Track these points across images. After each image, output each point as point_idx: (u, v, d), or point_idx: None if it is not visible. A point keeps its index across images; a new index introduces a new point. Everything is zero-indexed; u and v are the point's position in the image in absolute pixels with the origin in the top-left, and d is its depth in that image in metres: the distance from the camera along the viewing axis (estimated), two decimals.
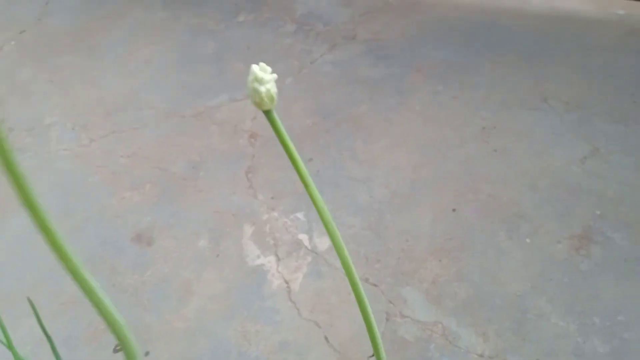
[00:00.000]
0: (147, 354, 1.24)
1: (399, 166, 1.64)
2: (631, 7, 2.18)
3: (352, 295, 1.28)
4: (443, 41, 2.09)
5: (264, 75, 0.34)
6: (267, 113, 0.36)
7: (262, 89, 0.34)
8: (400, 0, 2.34)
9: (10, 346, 0.63)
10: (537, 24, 2.16)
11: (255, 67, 0.34)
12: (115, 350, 1.25)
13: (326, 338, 1.26)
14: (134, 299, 1.35)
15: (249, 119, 1.81)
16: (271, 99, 0.34)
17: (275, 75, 0.35)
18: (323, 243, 1.46)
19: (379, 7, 2.31)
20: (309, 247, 1.45)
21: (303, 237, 1.47)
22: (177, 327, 1.29)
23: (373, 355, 1.23)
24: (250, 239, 1.47)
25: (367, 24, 2.21)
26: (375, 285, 1.36)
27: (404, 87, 1.90)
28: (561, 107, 1.80)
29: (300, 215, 1.53)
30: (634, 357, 1.20)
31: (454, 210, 1.52)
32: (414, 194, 1.57)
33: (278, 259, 1.43)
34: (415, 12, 2.27)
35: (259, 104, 0.35)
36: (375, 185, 1.60)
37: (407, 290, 1.35)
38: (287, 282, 1.37)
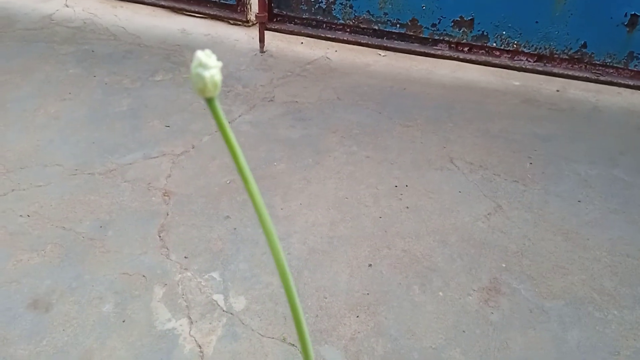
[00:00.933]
0: None
1: (317, 223, 1.65)
2: (525, 78, 2.40)
3: (270, 357, 1.23)
4: (357, 106, 2.19)
5: (209, 60, 0.33)
6: (209, 101, 0.35)
7: (207, 74, 0.33)
8: (316, 67, 2.44)
9: None
10: (442, 92, 2.32)
11: (200, 53, 0.33)
12: None
13: None
14: None
15: (163, 176, 1.76)
16: (215, 85, 0.34)
17: (220, 63, 0.34)
18: (239, 303, 1.41)
19: (297, 72, 2.39)
20: (224, 308, 1.40)
21: (218, 297, 1.42)
22: None
23: None
24: (160, 301, 1.40)
25: (285, 87, 2.27)
26: (293, 345, 1.32)
27: (320, 147, 1.95)
28: (466, 168, 1.91)
29: (215, 274, 1.48)
30: None
31: (370, 265, 1.54)
32: (331, 250, 1.57)
33: (191, 322, 1.36)
34: (331, 78, 2.37)
35: (202, 90, 0.34)
36: (293, 241, 1.59)
37: (326, 349, 1.32)
38: (200, 347, 1.30)
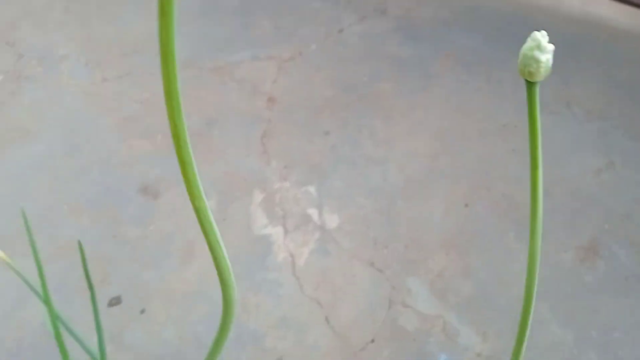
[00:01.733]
0: (142, 311, 1.22)
1: (417, 152, 1.62)
2: None
3: (357, 278, 1.27)
4: (474, 30, 2.04)
5: (546, 43, 0.31)
6: (532, 85, 0.33)
7: (543, 58, 0.31)
8: None
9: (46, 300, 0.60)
10: (569, 26, 2.11)
11: (537, 34, 0.31)
12: (111, 304, 1.23)
13: (327, 319, 1.25)
14: (134, 253, 1.32)
15: (269, 80, 1.75)
16: (547, 71, 0.32)
17: (553, 46, 0.32)
18: (332, 221, 1.44)
19: None
20: (318, 223, 1.43)
21: (313, 211, 1.45)
22: (176, 288, 1.26)
23: (373, 341, 1.23)
24: (259, 207, 1.44)
25: (399, 0, 2.14)
26: (380, 270, 1.35)
27: (430, 71, 1.85)
28: (583, 115, 1.78)
29: (311, 188, 1.50)
30: None
31: (466, 205, 1.51)
32: (429, 183, 1.55)
33: (285, 231, 1.41)
34: None
35: (532, 73, 0.32)
36: (390, 168, 1.57)
37: (412, 280, 1.34)
38: (292, 256, 1.36)
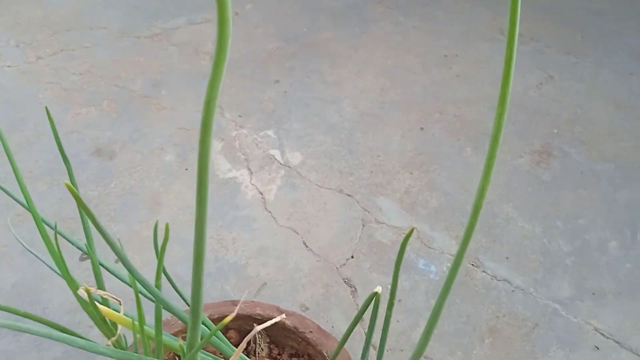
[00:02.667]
0: (117, 261, 1.18)
1: (367, 89, 1.64)
2: None
3: (328, 205, 1.27)
4: None
5: None
6: None
7: None
8: None
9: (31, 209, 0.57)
10: None
11: None
12: (82, 258, 1.18)
13: (304, 243, 1.25)
14: (99, 209, 1.27)
15: (209, 41, 1.74)
16: None
17: None
18: (295, 158, 1.44)
19: None
20: (282, 162, 1.43)
21: (275, 152, 1.45)
22: (147, 236, 1.23)
23: (353, 257, 1.23)
24: (220, 154, 1.43)
25: None
26: (350, 195, 1.36)
27: (366, 17, 1.89)
28: (517, 39, 1.86)
29: (270, 132, 1.50)
30: (594, 254, 1.27)
31: (421, 128, 1.55)
32: (382, 114, 1.58)
33: (251, 172, 1.39)
34: None
35: None
36: (344, 105, 1.59)
37: (381, 200, 1.36)
38: (261, 194, 1.35)
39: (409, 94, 1.64)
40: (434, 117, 1.58)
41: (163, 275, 0.55)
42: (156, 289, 0.48)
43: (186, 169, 1.37)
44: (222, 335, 0.61)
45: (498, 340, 1.12)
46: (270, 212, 1.31)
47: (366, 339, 0.61)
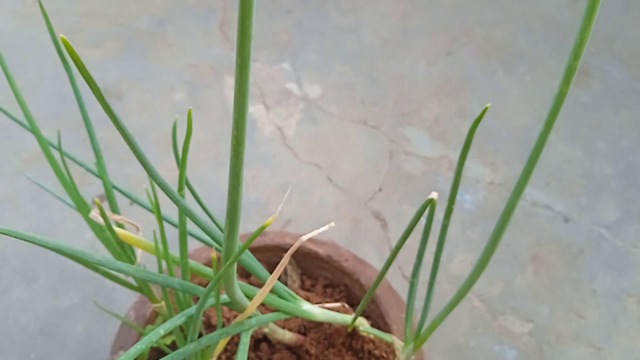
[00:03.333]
0: (131, 204, 1.12)
1: (387, 14, 1.53)
2: None
3: (352, 138, 1.18)
4: None
5: None
6: None
7: None
8: None
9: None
10: None
11: None
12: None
13: (329, 178, 1.17)
14: (110, 152, 1.19)
15: None
16: None
17: None
18: (314, 91, 1.34)
19: None
20: (299, 95, 1.33)
21: (291, 85, 1.35)
22: (163, 177, 1.16)
23: (381, 190, 1.16)
24: (232, 90, 1.34)
25: None
26: (375, 127, 1.27)
27: None
28: None
29: (285, 65, 1.40)
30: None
31: (448, 53, 1.43)
32: (405, 41, 1.46)
33: (267, 108, 1.31)
34: None
35: None
36: (363, 33, 1.48)
37: (409, 130, 1.27)
38: (280, 129, 1.26)
39: (432, 18, 1.52)
40: (461, 41, 1.46)
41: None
42: (178, 196, 0.41)
43: (198, 107, 1.29)
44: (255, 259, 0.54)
45: (541, 268, 1.05)
46: (290, 147, 1.23)
47: (419, 252, 0.53)
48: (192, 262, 0.51)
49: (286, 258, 0.47)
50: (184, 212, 0.42)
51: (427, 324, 0.55)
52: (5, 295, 0.98)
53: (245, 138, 0.31)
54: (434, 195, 0.49)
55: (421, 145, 1.24)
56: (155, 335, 0.38)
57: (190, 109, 0.38)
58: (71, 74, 0.55)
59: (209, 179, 1.16)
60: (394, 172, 1.19)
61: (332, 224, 0.46)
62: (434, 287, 0.55)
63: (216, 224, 0.51)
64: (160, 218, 0.50)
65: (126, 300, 0.97)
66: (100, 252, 1.00)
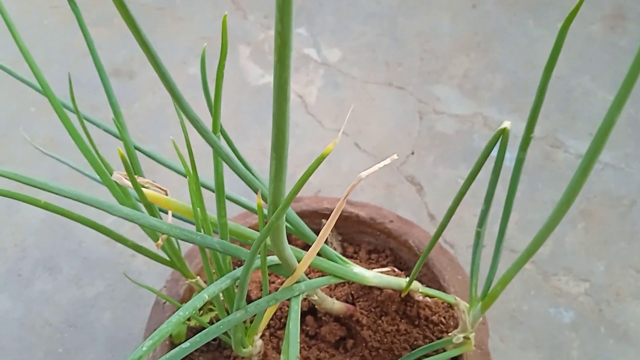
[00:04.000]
0: (154, 181, 1.06)
1: None
2: None
3: (377, 101, 1.10)
4: None
5: None
6: None
7: None
8: None
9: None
10: None
11: None
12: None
13: (356, 144, 1.11)
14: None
15: None
16: None
17: None
18: (334, 55, 1.27)
19: None
20: (319, 60, 1.26)
21: (310, 50, 1.28)
22: (184, 152, 1.10)
23: (413, 153, 1.09)
24: (249, 60, 1.27)
25: None
26: (401, 87, 1.20)
27: None
28: None
29: (301, 30, 1.32)
30: None
31: (473, 6, 1.35)
32: None
33: None
34: None
35: None
36: None
37: (438, 88, 1.20)
38: (301, 97, 1.20)
39: None
40: None
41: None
42: (214, 136, 0.35)
43: (214, 80, 1.22)
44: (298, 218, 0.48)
45: (592, 224, 0.98)
46: (313, 115, 1.16)
47: (487, 195, 0.47)
48: (231, 224, 0.45)
49: (328, 227, 0.40)
50: (219, 155, 0.36)
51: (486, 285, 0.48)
52: (27, 288, 0.93)
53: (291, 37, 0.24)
54: (506, 124, 0.42)
55: (452, 104, 1.16)
56: (200, 300, 0.32)
57: (225, 15, 0.31)
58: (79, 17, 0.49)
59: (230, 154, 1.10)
60: (426, 133, 1.11)
61: (395, 155, 0.39)
62: (504, 237, 0.48)
63: (253, 174, 0.44)
64: (195, 166, 0.44)
65: (155, 285, 0.92)
66: (125, 227, 0.95)
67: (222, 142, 0.43)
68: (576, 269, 0.91)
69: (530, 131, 0.42)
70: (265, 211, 0.37)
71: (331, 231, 0.70)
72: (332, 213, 0.40)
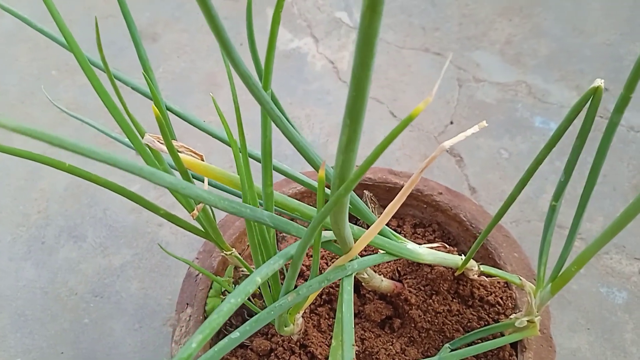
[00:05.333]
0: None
1: None
2: None
3: (413, 67, 1.03)
4: None
5: None
6: None
7: None
8: None
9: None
10: None
11: None
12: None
13: (392, 113, 1.05)
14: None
15: None
16: None
17: None
18: None
19: None
20: (351, 24, 1.20)
21: (341, 14, 1.22)
22: (209, 122, 1.05)
23: (452, 123, 1.02)
24: None
25: None
26: (438, 53, 1.13)
27: None
28: None
29: None
30: None
31: None
32: None
33: (316, 40, 1.18)
34: None
35: None
36: None
37: (478, 54, 1.13)
38: (332, 63, 1.14)
39: None
40: None
41: None
42: (263, 92, 0.30)
43: (241, 44, 1.17)
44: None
45: None
46: (345, 82, 1.10)
47: (568, 163, 0.41)
48: (277, 195, 0.41)
49: (410, 185, 0.35)
50: (270, 115, 0.31)
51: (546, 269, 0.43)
52: (52, 257, 0.90)
53: None
54: (599, 82, 0.37)
55: (493, 71, 1.09)
56: (252, 284, 0.28)
57: None
58: None
59: (258, 121, 1.05)
60: (465, 102, 1.05)
61: (484, 122, 0.34)
62: (584, 213, 0.43)
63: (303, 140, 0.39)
64: (242, 130, 0.39)
65: (183, 256, 0.88)
66: (150, 195, 0.91)
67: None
68: (629, 247, 0.86)
69: (631, 90, 0.36)
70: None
71: (372, 203, 0.65)
72: (405, 186, 0.35)
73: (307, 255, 0.62)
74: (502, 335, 0.51)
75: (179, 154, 0.41)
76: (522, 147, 0.97)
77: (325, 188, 0.35)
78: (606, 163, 0.95)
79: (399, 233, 0.64)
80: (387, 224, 0.65)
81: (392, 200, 0.66)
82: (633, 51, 1.10)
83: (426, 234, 0.63)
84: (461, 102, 1.05)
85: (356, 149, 0.28)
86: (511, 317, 0.48)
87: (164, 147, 0.41)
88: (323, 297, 0.57)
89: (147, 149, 0.45)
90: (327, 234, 0.42)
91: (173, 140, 0.44)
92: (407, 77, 1.10)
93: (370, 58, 0.22)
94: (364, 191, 0.64)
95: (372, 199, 0.64)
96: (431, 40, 1.16)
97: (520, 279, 0.47)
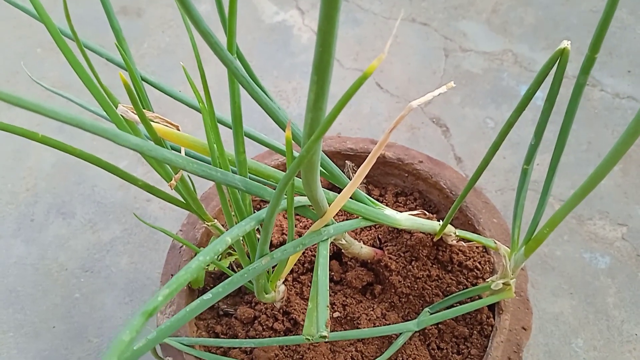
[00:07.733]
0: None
1: None
2: None
3: (400, 38, 1.02)
4: None
5: None
6: None
7: None
8: None
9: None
10: None
11: None
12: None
13: (378, 84, 1.05)
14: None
15: None
16: None
17: None
18: None
19: None
20: None
21: None
22: (194, 98, 1.05)
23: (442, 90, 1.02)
24: None
25: None
26: (425, 23, 1.13)
27: None
28: None
29: None
30: None
31: None
32: None
33: (302, 13, 1.17)
34: None
35: None
36: None
37: (464, 24, 1.12)
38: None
39: None
40: None
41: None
42: (229, 55, 0.30)
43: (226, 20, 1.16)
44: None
45: (630, 166, 0.92)
46: None
47: (538, 126, 0.42)
48: (251, 162, 0.41)
49: (386, 137, 0.36)
50: (236, 77, 0.31)
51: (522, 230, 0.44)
52: (41, 233, 0.91)
53: None
54: (565, 43, 0.37)
55: (480, 40, 1.09)
56: (222, 244, 0.28)
57: None
58: None
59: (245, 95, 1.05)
60: (452, 72, 1.05)
61: (452, 83, 0.34)
62: (555, 176, 0.43)
63: (273, 102, 0.40)
64: (209, 96, 0.39)
65: (171, 230, 0.89)
66: (138, 171, 0.91)
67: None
68: (613, 212, 0.87)
69: (596, 51, 0.36)
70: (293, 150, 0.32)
71: (354, 173, 0.65)
72: (374, 148, 0.35)
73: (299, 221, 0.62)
74: (480, 298, 0.52)
75: (153, 123, 0.41)
76: (507, 116, 0.97)
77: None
78: (591, 130, 0.96)
79: (381, 202, 0.64)
80: (370, 194, 0.66)
81: (375, 171, 0.66)
82: (619, 17, 1.10)
83: (407, 202, 0.64)
84: (447, 72, 1.05)
85: (324, 106, 0.28)
86: (487, 280, 0.49)
87: (138, 118, 0.41)
88: (305, 265, 0.58)
89: (122, 119, 0.45)
90: (303, 200, 0.42)
91: (148, 112, 0.44)
92: (393, 48, 1.09)
93: (335, 10, 0.22)
94: (346, 161, 0.65)
95: (353, 169, 0.64)
96: (417, 10, 1.15)
97: (495, 243, 0.48)
